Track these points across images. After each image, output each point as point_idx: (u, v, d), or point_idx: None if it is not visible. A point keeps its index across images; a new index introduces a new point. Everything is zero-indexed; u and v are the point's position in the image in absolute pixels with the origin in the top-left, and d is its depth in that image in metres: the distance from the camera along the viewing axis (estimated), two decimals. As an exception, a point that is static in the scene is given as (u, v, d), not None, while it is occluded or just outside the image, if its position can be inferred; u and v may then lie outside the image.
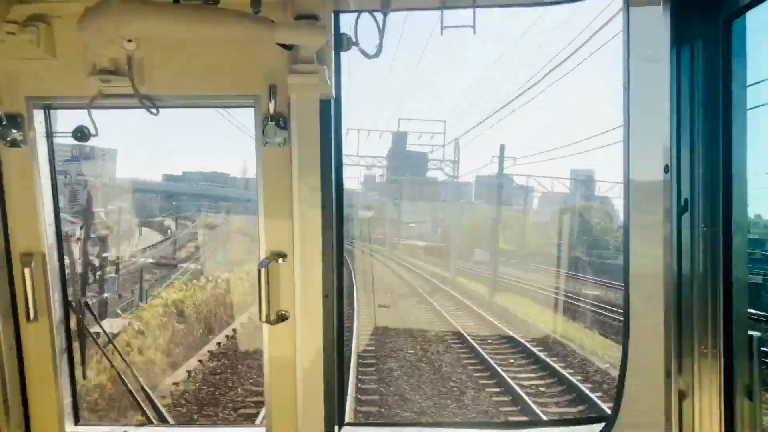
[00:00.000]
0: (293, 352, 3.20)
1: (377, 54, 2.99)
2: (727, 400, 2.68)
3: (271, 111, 2.97)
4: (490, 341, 20.26)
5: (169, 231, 40.48)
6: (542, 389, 15.32)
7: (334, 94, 3.03)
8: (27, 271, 3.16)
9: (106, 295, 18.44)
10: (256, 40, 2.60)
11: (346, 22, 3.05)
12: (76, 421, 3.52)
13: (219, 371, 16.04)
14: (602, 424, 3.19)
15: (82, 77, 2.99)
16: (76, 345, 3.66)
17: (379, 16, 2.89)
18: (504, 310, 25.70)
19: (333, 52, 2.99)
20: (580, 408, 13.59)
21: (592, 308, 24.13)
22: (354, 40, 3.03)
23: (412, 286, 33.44)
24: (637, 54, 2.83)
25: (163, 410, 4.11)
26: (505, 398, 14.47)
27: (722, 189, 2.68)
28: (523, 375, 16.41)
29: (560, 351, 19.07)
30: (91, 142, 3.28)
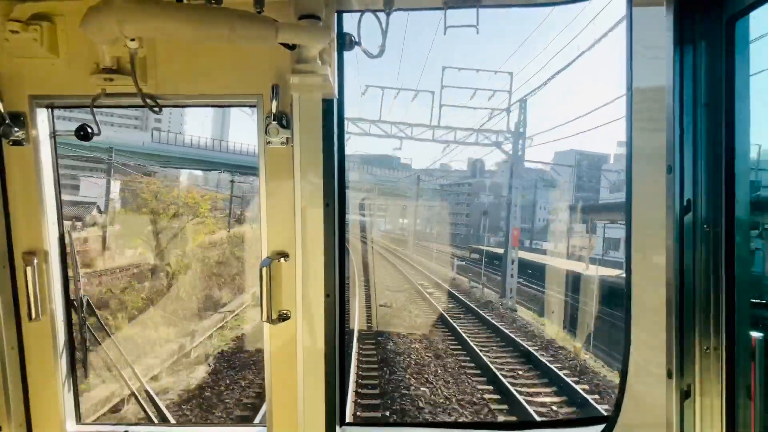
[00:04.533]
0: (294, 352, 3.20)
1: (380, 54, 2.99)
2: (730, 400, 2.68)
3: (274, 110, 2.97)
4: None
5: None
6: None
7: (336, 93, 3.03)
8: (29, 269, 3.17)
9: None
10: (258, 39, 2.60)
11: (349, 21, 3.06)
12: (78, 419, 3.52)
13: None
14: (603, 425, 3.19)
15: (85, 76, 2.99)
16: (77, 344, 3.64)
17: (382, 16, 2.90)
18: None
19: (335, 52, 2.99)
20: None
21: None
22: (357, 39, 3.03)
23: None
24: (640, 54, 2.83)
25: (164, 409, 4.11)
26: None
27: (724, 189, 2.68)
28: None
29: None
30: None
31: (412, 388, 14.80)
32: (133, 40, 2.69)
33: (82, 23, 2.48)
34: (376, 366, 16.64)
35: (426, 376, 15.92)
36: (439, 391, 14.73)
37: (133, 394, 3.97)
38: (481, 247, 53.03)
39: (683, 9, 2.66)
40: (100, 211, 29.66)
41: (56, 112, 3.28)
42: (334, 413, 3.25)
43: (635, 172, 2.90)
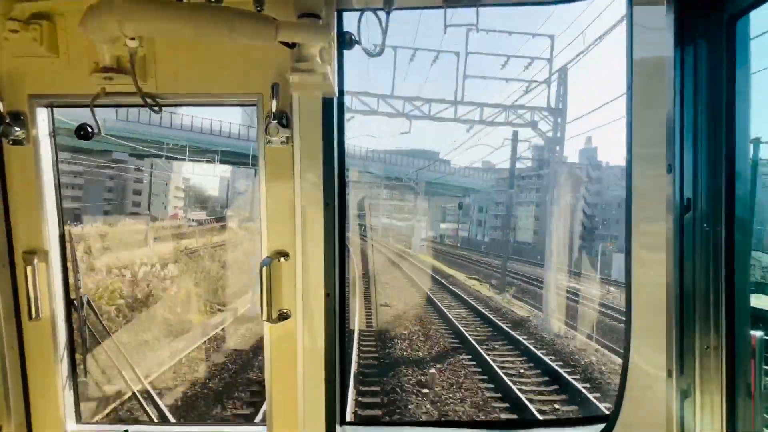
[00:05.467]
0: (295, 351, 3.20)
1: (380, 53, 2.99)
2: (730, 399, 2.68)
3: (274, 109, 2.97)
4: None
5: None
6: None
7: (336, 92, 3.03)
8: (29, 269, 3.17)
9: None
10: (258, 38, 2.59)
11: (349, 20, 3.06)
12: (78, 419, 3.52)
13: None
14: (603, 425, 3.20)
15: (84, 75, 2.99)
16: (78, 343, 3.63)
17: (382, 14, 2.89)
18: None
19: (335, 51, 2.98)
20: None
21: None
22: (357, 38, 3.03)
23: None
24: (641, 53, 2.83)
25: (165, 409, 4.11)
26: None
27: (725, 189, 2.68)
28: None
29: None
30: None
31: None
32: (132, 39, 2.68)
33: (81, 22, 2.47)
34: None
35: None
36: None
37: (133, 392, 3.97)
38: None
39: (683, 8, 2.65)
40: None
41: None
42: (334, 413, 3.26)
43: (635, 171, 2.90)
